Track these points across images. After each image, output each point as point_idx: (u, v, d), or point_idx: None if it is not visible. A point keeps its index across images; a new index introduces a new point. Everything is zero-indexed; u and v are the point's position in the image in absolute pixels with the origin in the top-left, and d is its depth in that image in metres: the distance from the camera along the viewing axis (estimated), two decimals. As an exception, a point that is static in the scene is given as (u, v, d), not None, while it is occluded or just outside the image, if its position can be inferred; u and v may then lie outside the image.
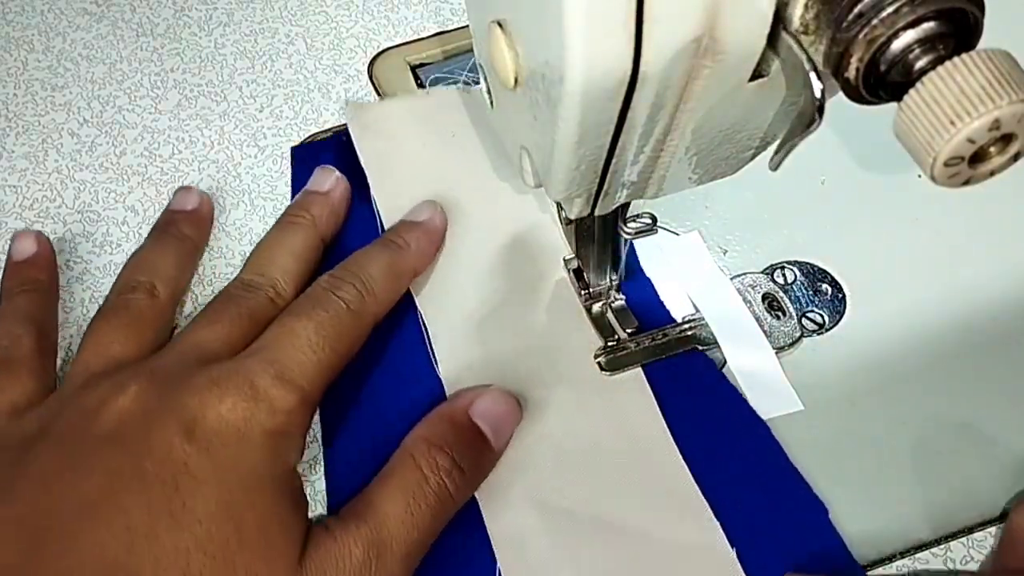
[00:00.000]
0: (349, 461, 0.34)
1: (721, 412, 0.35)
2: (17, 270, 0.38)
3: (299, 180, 0.42)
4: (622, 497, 0.33)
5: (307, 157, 0.43)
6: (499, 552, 0.32)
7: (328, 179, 0.40)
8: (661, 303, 0.38)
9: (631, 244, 0.38)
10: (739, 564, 0.31)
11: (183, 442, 0.29)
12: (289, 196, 0.42)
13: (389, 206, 0.40)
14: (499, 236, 0.39)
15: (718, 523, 0.32)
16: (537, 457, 0.34)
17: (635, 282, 0.38)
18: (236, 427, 0.29)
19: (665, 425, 0.34)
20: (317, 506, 0.34)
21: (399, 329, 0.37)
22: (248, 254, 0.38)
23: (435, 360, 0.36)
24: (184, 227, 0.39)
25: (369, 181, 0.41)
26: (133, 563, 0.27)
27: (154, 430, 0.29)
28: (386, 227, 0.40)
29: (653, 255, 0.39)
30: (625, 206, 0.32)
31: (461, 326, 0.37)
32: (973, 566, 0.32)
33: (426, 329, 0.37)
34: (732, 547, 0.32)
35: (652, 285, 0.38)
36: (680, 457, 0.33)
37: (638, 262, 0.39)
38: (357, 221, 0.40)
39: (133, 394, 0.30)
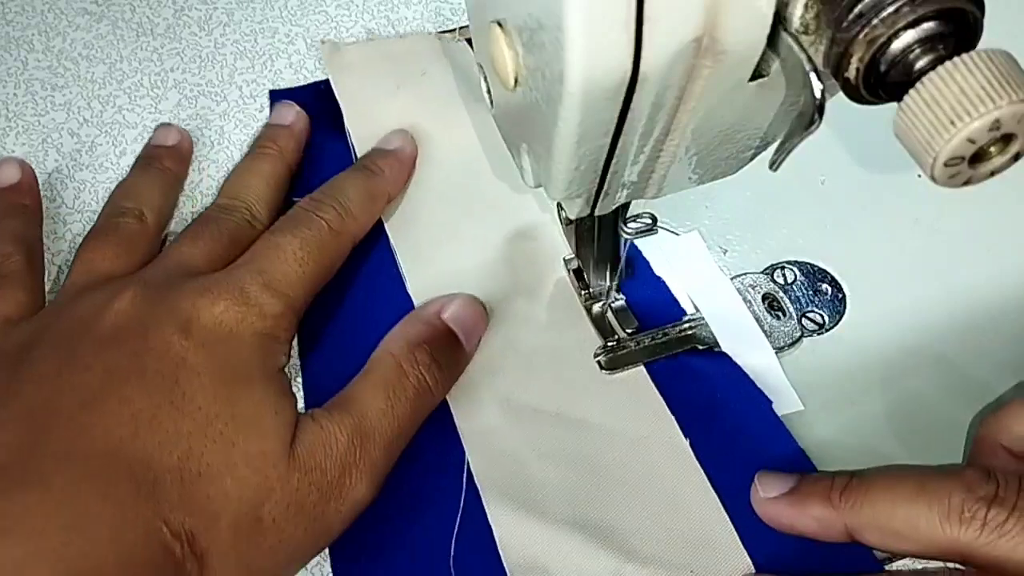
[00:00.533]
0: (326, 371, 0.36)
1: (730, 409, 0.35)
2: (2, 195, 0.40)
3: None
4: (626, 493, 0.33)
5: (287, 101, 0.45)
6: (467, 444, 0.34)
7: (289, 113, 0.42)
8: (674, 299, 0.38)
9: (636, 244, 0.38)
10: (750, 561, 0.31)
11: (180, 339, 0.30)
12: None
13: (363, 140, 0.42)
14: (498, 236, 0.39)
15: (727, 516, 0.32)
16: (537, 459, 0.34)
17: (644, 279, 0.38)
18: (229, 327, 0.31)
19: (672, 419, 0.34)
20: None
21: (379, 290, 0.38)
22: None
23: None
24: (167, 160, 0.41)
25: (344, 117, 0.43)
26: (138, 446, 0.28)
27: (151, 329, 0.30)
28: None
29: (653, 255, 0.39)
30: (625, 206, 0.32)
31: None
32: (973, 566, 0.32)
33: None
34: (744, 542, 0.32)
35: (662, 281, 0.38)
36: (688, 449, 0.33)
37: (645, 261, 0.39)
38: (332, 157, 0.42)
39: (128, 299, 0.31)
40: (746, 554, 0.31)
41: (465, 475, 0.33)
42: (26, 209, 0.40)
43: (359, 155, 0.42)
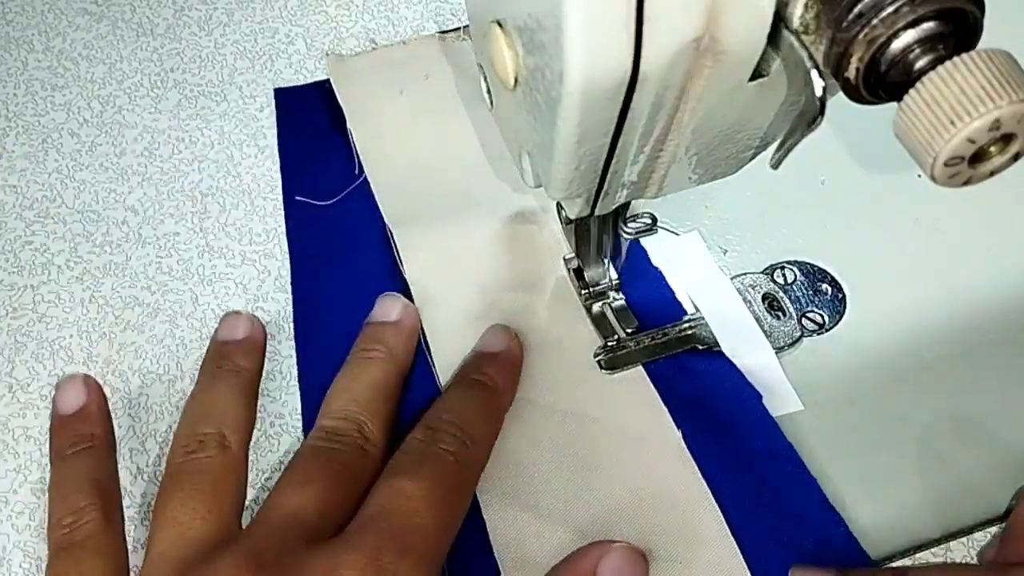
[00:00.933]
0: (321, 366, 0.35)
1: (726, 409, 0.35)
2: (66, 425, 0.34)
3: (284, 124, 0.44)
4: (623, 492, 0.33)
5: (292, 100, 0.45)
6: (498, 552, 0.32)
7: (395, 306, 0.36)
8: (674, 299, 0.38)
9: (639, 243, 0.38)
10: (742, 558, 0.31)
11: None
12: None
13: (366, 142, 0.42)
14: (498, 236, 0.39)
15: (720, 514, 0.32)
16: (535, 458, 0.34)
17: (644, 279, 0.38)
18: None
19: (669, 418, 0.34)
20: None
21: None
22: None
23: (431, 360, 0.36)
24: (240, 359, 0.36)
25: (347, 121, 0.43)
26: None
27: None
28: (365, 168, 0.41)
29: (653, 255, 0.39)
30: (625, 206, 0.32)
31: (458, 323, 0.37)
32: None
33: (422, 329, 0.37)
34: (738, 540, 0.32)
35: (663, 281, 0.38)
36: (685, 447, 0.33)
37: (646, 260, 0.39)
38: (336, 160, 0.42)
39: None
40: (736, 548, 0.31)
41: None
42: (95, 441, 0.34)
43: (362, 158, 0.41)
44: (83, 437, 0.34)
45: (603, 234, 0.34)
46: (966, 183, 0.22)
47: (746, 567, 0.31)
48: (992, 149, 0.21)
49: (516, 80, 0.25)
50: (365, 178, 0.42)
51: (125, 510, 0.34)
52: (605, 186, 0.27)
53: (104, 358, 0.38)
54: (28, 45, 0.48)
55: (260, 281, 0.40)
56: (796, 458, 0.33)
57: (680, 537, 0.32)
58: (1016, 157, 0.21)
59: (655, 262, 0.39)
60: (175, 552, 0.29)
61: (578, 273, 0.37)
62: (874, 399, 0.35)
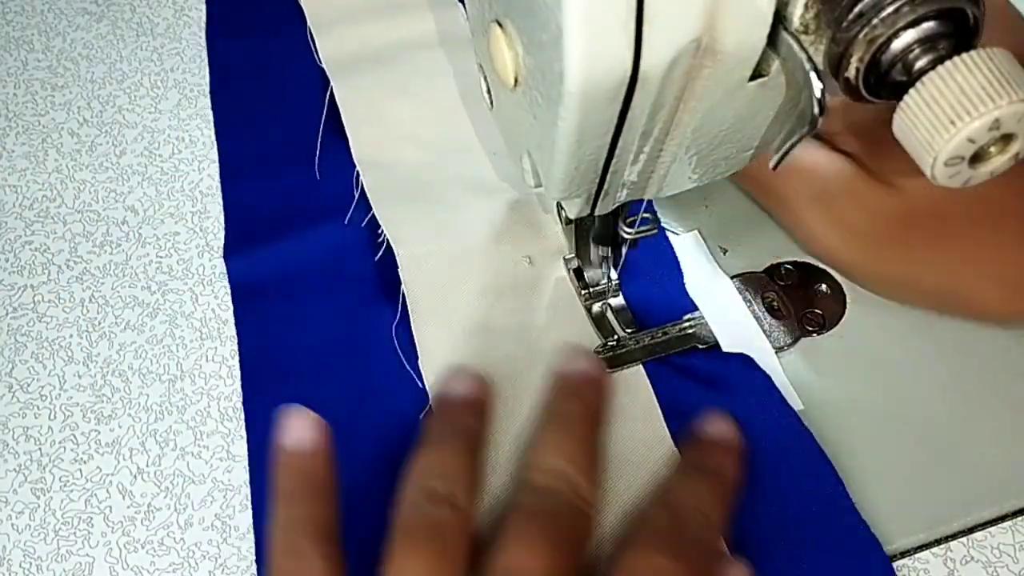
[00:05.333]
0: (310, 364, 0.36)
1: (731, 406, 0.35)
2: (293, 463, 0.31)
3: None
4: (618, 489, 0.33)
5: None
6: None
7: (581, 358, 0.33)
8: (674, 298, 0.38)
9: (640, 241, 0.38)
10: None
11: None
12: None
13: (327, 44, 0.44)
14: (498, 235, 0.39)
15: None
16: None
17: (644, 278, 0.38)
18: None
19: (664, 424, 0.34)
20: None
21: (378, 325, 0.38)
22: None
23: (419, 361, 0.36)
24: (467, 417, 0.33)
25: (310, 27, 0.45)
26: None
27: None
28: (325, 66, 0.44)
29: (655, 256, 0.39)
30: (625, 206, 0.32)
31: (456, 325, 0.37)
32: (973, 565, 0.32)
33: (412, 327, 0.37)
34: (735, 539, 0.32)
35: (663, 280, 0.38)
36: (675, 449, 0.33)
37: (646, 259, 0.39)
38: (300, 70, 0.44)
39: None
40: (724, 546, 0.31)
41: None
42: (324, 486, 0.30)
43: (321, 54, 0.44)
44: (310, 477, 0.31)
45: (603, 234, 0.34)
46: (966, 183, 0.22)
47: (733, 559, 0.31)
48: (992, 149, 0.21)
49: (516, 80, 0.25)
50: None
51: (125, 511, 0.34)
52: (605, 186, 0.27)
53: (104, 358, 0.38)
54: (28, 45, 0.48)
55: (260, 281, 0.40)
56: (817, 448, 0.33)
57: None
58: (1016, 157, 0.21)
59: (657, 262, 0.39)
60: None
61: (578, 273, 0.37)
62: (874, 399, 0.35)
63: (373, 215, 0.39)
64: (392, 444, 0.33)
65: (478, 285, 0.38)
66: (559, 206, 0.33)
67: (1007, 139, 0.21)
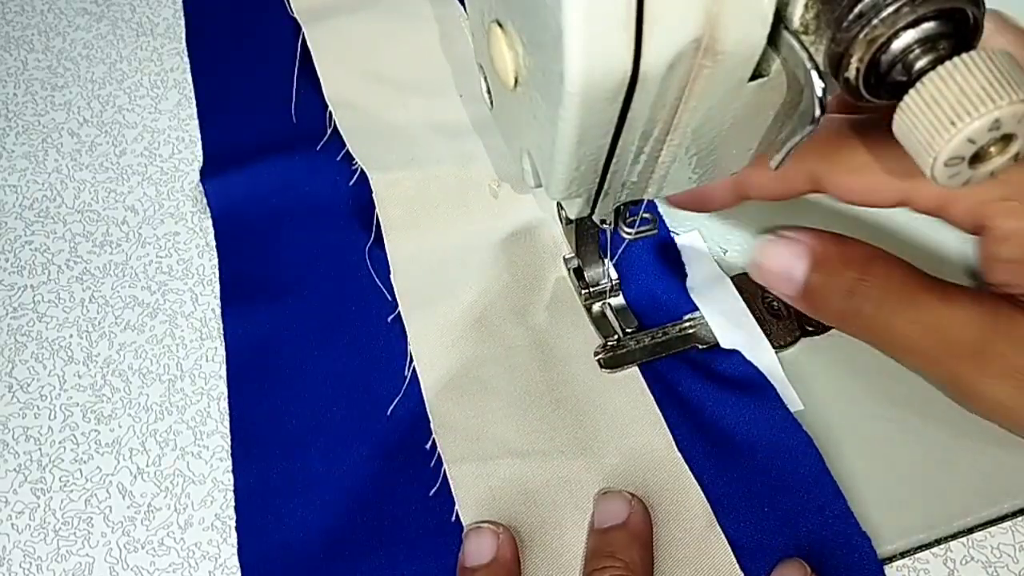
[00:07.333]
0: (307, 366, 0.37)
1: (728, 406, 0.35)
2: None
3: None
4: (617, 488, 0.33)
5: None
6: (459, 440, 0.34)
7: (622, 506, 0.32)
8: (674, 298, 0.38)
9: (640, 242, 0.38)
10: (734, 557, 0.31)
11: None
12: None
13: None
14: (498, 235, 0.39)
15: (711, 511, 0.32)
16: (531, 457, 0.34)
17: (645, 278, 0.38)
18: None
19: (665, 425, 0.34)
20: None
21: (375, 334, 0.38)
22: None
23: (416, 363, 0.36)
24: None
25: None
26: None
27: None
28: (296, 15, 0.45)
29: (655, 254, 0.39)
30: (625, 205, 0.32)
31: (455, 325, 0.37)
32: (973, 565, 0.32)
33: (407, 329, 0.37)
34: (731, 537, 0.32)
35: (663, 280, 0.38)
36: (680, 457, 0.33)
37: (646, 259, 0.39)
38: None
39: None
40: (727, 544, 0.31)
41: (443, 470, 0.34)
42: None
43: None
44: None
45: (603, 234, 0.34)
46: (966, 183, 0.22)
47: (736, 564, 0.31)
48: (992, 149, 0.21)
49: (516, 80, 0.25)
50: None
51: (125, 511, 0.34)
52: (605, 186, 0.27)
53: (104, 358, 0.38)
54: (28, 45, 0.48)
55: (260, 281, 0.40)
56: (815, 451, 0.33)
57: (670, 533, 0.32)
58: (1016, 157, 0.22)
59: (657, 262, 0.39)
60: None
61: (578, 273, 0.37)
62: (874, 399, 0.35)
63: (347, 151, 0.41)
64: (363, 353, 0.37)
65: (478, 286, 0.38)
66: (559, 206, 0.33)
67: (1007, 139, 0.21)
